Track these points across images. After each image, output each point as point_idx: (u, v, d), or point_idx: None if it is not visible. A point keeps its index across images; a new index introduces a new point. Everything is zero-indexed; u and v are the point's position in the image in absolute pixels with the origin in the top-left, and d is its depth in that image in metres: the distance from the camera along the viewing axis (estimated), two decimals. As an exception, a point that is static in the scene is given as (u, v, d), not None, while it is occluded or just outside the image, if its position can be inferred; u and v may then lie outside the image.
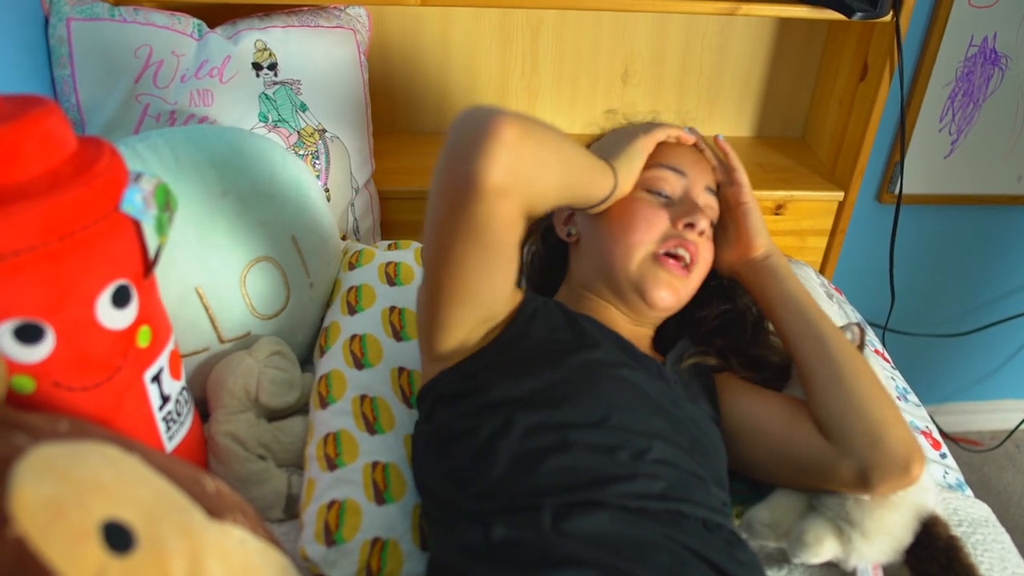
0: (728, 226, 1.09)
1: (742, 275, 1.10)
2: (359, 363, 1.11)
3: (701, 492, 0.89)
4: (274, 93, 1.36)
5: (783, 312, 1.04)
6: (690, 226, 1.01)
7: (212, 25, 1.38)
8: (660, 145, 1.05)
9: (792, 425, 1.00)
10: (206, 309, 1.10)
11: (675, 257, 1.01)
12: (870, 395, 0.96)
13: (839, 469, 0.95)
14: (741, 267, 1.09)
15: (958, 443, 2.44)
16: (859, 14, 1.40)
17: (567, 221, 1.10)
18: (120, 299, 0.82)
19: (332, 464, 0.99)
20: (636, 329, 1.07)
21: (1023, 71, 1.83)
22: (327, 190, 1.44)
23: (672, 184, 1.04)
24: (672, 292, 1.01)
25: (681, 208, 1.02)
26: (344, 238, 1.42)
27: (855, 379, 0.97)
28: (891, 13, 1.47)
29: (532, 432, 0.86)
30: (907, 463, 0.93)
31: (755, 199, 1.08)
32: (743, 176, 1.08)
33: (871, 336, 1.52)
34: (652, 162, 1.04)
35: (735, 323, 1.14)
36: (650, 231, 1.00)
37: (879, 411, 0.95)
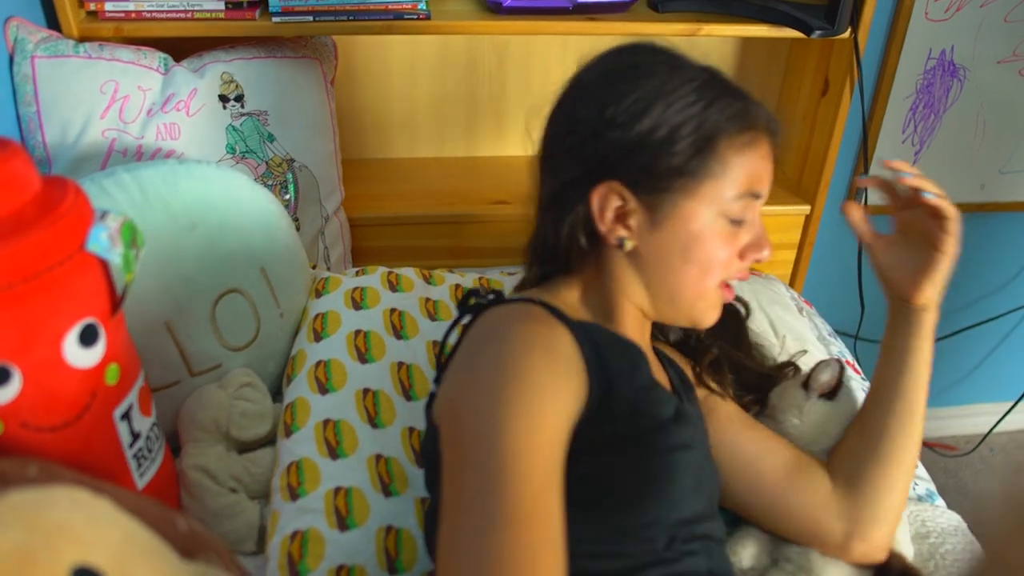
0: (904, 254, 0.98)
1: (889, 305, 1.02)
2: (323, 388, 1.11)
3: (719, 555, 0.88)
4: (241, 124, 1.36)
5: (897, 370, 0.98)
6: (756, 260, 0.92)
7: (178, 58, 1.38)
8: (756, 161, 0.89)
9: (796, 475, 0.99)
10: (176, 343, 1.10)
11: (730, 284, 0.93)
12: (906, 483, 0.98)
13: (827, 529, 0.97)
14: (889, 298, 1.01)
15: (933, 448, 2.46)
16: (818, 32, 1.43)
17: (620, 221, 0.88)
18: (87, 338, 0.82)
19: (294, 494, 0.99)
20: (647, 324, 0.98)
21: (981, 82, 1.86)
22: (296, 219, 1.44)
23: (752, 210, 0.90)
24: (719, 312, 0.94)
25: (751, 237, 0.90)
26: (315, 267, 1.43)
27: (910, 466, 0.98)
28: (849, 30, 1.50)
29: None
30: (883, 552, 0.97)
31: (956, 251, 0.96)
32: (957, 226, 0.94)
33: (841, 347, 1.54)
34: (747, 188, 0.88)
35: (731, 327, 1.11)
36: (725, 271, 0.90)
37: (901, 500, 0.98)
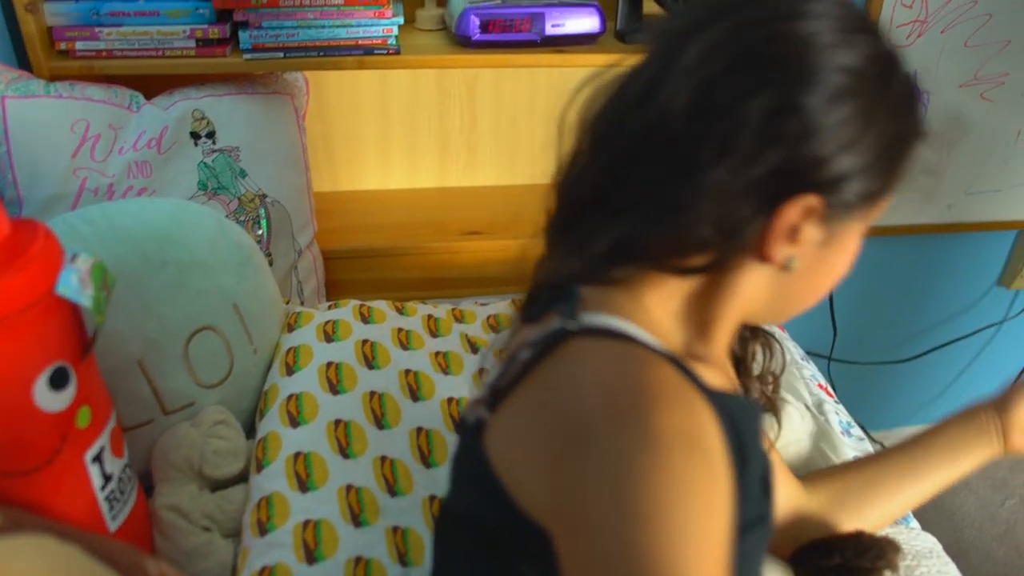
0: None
1: (979, 414, 1.02)
2: (294, 421, 1.12)
3: None
4: (213, 161, 1.37)
5: (934, 462, 1.01)
6: None
7: (149, 95, 1.39)
8: None
9: (782, 476, 0.98)
10: (148, 381, 1.10)
11: None
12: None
13: (786, 535, 0.99)
14: (989, 418, 1.00)
15: (910, 467, 2.49)
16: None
17: (791, 238, 0.68)
18: (58, 381, 0.82)
19: (263, 529, 0.99)
20: None
21: (945, 105, 1.90)
22: (269, 255, 1.45)
23: None
24: None
25: None
26: (288, 302, 1.43)
27: (890, 520, 1.04)
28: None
29: None
30: None
31: None
32: None
33: (814, 371, 1.56)
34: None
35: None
36: None
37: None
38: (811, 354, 1.69)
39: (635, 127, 0.70)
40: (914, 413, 2.48)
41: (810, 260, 0.71)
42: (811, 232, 0.68)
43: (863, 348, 2.27)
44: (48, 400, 0.81)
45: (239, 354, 1.19)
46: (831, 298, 1.90)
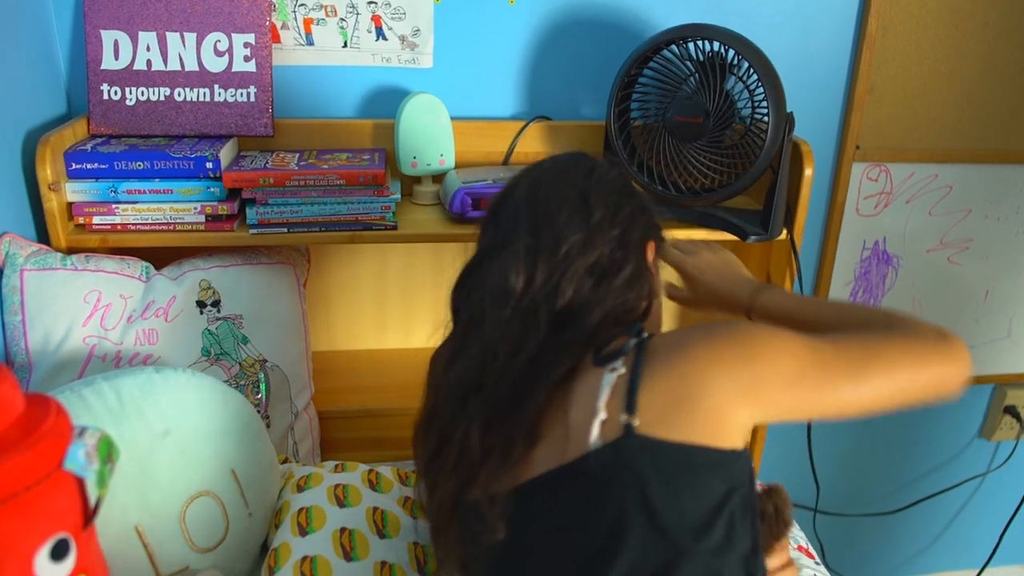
0: None
1: None
2: None
3: None
4: (217, 328, 1.44)
5: None
6: None
7: (159, 263, 1.47)
8: None
9: None
10: (145, 547, 1.13)
11: None
12: None
13: None
14: None
15: (905, 621, 2.46)
16: (753, 237, 1.55)
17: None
18: (59, 553, 0.85)
19: None
20: None
21: (913, 268, 2.00)
22: (267, 417, 1.50)
23: None
24: None
25: None
26: (285, 460, 1.47)
27: None
28: (785, 231, 1.62)
29: None
30: None
31: None
32: None
33: (795, 532, 1.58)
34: None
35: None
36: None
37: None
38: (797, 506, 1.71)
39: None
40: (907, 563, 2.47)
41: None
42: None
43: (849, 501, 2.28)
44: (48, 571, 0.84)
45: (235, 518, 1.22)
46: (810, 455, 1.94)
